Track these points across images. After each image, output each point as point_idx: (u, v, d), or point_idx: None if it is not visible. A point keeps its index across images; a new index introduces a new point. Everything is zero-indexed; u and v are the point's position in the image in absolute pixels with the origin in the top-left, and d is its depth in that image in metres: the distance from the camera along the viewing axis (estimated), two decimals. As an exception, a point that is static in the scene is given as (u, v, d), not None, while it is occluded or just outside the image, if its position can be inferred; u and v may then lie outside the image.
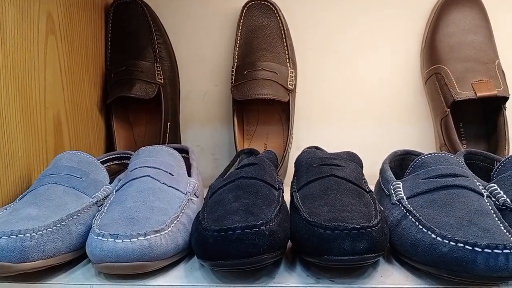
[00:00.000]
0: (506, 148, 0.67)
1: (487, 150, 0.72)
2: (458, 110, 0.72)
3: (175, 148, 0.65)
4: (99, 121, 0.74)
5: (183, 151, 0.66)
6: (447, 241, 0.36)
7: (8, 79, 0.51)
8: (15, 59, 0.53)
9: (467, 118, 0.74)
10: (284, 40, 0.75)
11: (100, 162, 0.60)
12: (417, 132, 0.78)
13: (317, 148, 0.63)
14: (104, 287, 0.41)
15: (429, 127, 0.77)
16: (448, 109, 0.68)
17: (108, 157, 0.64)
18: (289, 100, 0.73)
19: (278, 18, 0.75)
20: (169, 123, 0.74)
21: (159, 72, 0.74)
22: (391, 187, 0.49)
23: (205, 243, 0.38)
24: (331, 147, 0.79)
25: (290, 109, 0.73)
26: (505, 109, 0.69)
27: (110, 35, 0.77)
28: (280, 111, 0.77)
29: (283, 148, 0.75)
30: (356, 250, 0.37)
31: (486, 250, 0.34)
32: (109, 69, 0.76)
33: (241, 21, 0.75)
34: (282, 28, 0.75)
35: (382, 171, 0.55)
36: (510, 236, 0.36)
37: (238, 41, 0.75)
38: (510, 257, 0.33)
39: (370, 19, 0.77)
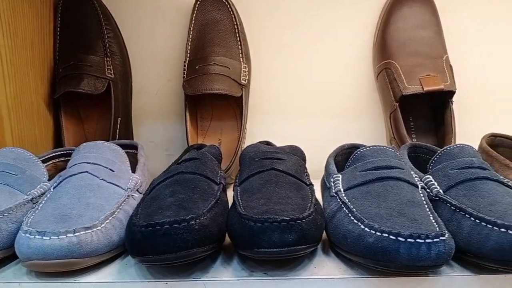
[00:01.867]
0: (453, 141, 0.68)
1: (436, 143, 0.73)
2: (408, 105, 0.73)
3: (125, 144, 0.64)
4: (47, 117, 0.72)
5: (133, 147, 0.65)
6: (373, 232, 0.36)
7: None
8: None
9: (417, 112, 0.75)
10: (237, 35, 0.74)
11: (44, 158, 0.59)
12: (370, 126, 0.79)
13: (268, 143, 0.63)
14: (33, 285, 0.39)
15: (381, 121, 0.78)
16: (397, 104, 0.69)
17: (54, 154, 0.62)
18: (242, 95, 0.73)
19: (231, 12, 0.74)
20: (119, 118, 0.73)
21: (109, 67, 0.73)
22: (332, 179, 0.49)
23: (133, 239, 0.37)
24: (286, 141, 0.79)
25: (243, 104, 0.73)
26: (452, 104, 0.70)
27: (59, 29, 0.75)
28: (234, 106, 0.77)
29: (238, 143, 0.74)
30: (286, 242, 0.37)
31: (409, 239, 0.34)
32: (58, 64, 0.74)
33: (194, 15, 0.74)
34: (235, 23, 0.74)
35: (326, 165, 0.55)
36: (437, 226, 0.37)
37: (191, 36, 0.74)
38: (433, 247, 0.34)
39: (324, 14, 0.78)
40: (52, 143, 0.73)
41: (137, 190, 0.52)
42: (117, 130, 0.72)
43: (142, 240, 0.36)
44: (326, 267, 0.41)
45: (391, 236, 0.35)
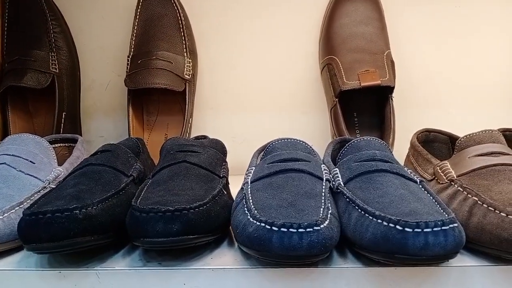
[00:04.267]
0: (391, 136, 0.69)
1: (380, 138, 0.74)
2: (353, 100, 0.74)
3: (66, 138, 0.65)
4: (-9, 112, 0.73)
5: (75, 141, 0.66)
6: (254, 221, 0.37)
7: None
8: None
9: (361, 108, 0.75)
10: (182, 30, 0.75)
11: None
12: (316, 121, 0.80)
13: (204, 137, 0.64)
14: None
15: (327, 116, 0.79)
16: (336, 99, 0.70)
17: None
18: (185, 90, 0.73)
19: (176, 8, 0.75)
20: (64, 113, 0.74)
21: (53, 62, 0.74)
22: (246, 173, 0.49)
23: (19, 227, 0.38)
24: (236, 136, 0.81)
25: (187, 99, 0.74)
26: (391, 99, 0.70)
27: (6, 24, 0.75)
28: (181, 101, 0.77)
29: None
30: (170, 232, 0.37)
31: (282, 229, 0.35)
32: (5, 58, 0.75)
33: (138, 10, 0.75)
34: (179, 18, 0.75)
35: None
36: (323, 217, 0.37)
37: (135, 31, 0.75)
38: (304, 236, 0.34)
39: (272, 10, 0.78)
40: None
41: (58, 182, 0.53)
42: (61, 125, 0.73)
43: (25, 228, 0.37)
44: (222, 258, 0.41)
45: (266, 226, 0.35)
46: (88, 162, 0.47)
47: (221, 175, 0.49)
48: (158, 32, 0.74)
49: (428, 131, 0.63)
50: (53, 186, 0.51)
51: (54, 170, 0.53)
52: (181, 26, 0.75)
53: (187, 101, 0.74)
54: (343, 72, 0.70)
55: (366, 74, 0.69)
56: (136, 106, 0.75)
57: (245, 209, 0.40)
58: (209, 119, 0.81)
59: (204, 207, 0.40)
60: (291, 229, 0.35)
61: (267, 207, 0.39)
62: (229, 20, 0.79)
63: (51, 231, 0.36)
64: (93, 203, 0.39)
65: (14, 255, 0.43)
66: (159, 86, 0.70)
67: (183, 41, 0.75)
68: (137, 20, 0.75)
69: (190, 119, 0.75)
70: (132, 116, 0.74)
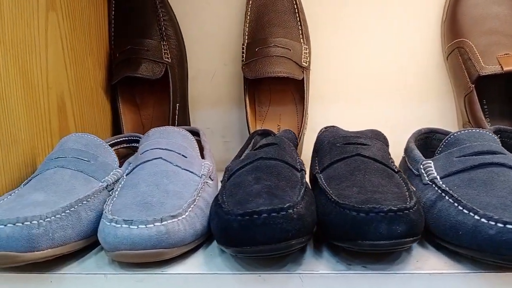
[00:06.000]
0: (533, 125, 0.64)
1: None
2: (481, 87, 0.68)
3: (190, 131, 0.62)
4: (105, 103, 0.71)
5: (194, 134, 0.63)
6: (493, 223, 0.33)
7: (7, 56, 0.48)
8: (14, 35, 0.49)
9: (491, 95, 0.70)
10: (297, 15, 0.71)
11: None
12: (436, 110, 0.75)
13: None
14: (119, 276, 0.38)
15: (449, 104, 0.74)
16: (473, 85, 0.65)
17: (116, 140, 0.61)
18: (303, 78, 0.69)
19: (290, -9, 0.71)
20: (177, 104, 0.71)
21: (166, 51, 0.71)
22: (421, 166, 0.45)
23: (228, 228, 0.35)
24: (348, 127, 0.76)
25: (305, 88, 0.70)
26: (531, 85, 0.65)
27: (113, 12, 0.73)
28: (293, 91, 0.74)
29: (297, 129, 0.71)
30: (394, 233, 0.34)
31: (540, 231, 0.31)
32: (113, 49, 0.72)
33: (251, -4, 0.71)
34: (294, 2, 0.71)
35: (408, 150, 0.52)
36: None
37: (248, 17, 0.71)
38: None
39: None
40: (111, 129, 0.72)
41: (209, 177, 0.50)
42: (176, 117, 0.71)
43: (239, 230, 0.34)
44: (429, 261, 0.38)
45: (516, 228, 0.31)
46: (258, 156, 0.44)
47: (396, 170, 0.45)
48: (273, 18, 0.70)
49: None
50: (209, 181, 0.49)
51: (203, 164, 0.50)
52: (296, 11, 0.71)
53: (305, 90, 0.70)
54: (479, 56, 0.65)
55: (507, 57, 0.64)
56: (249, 96, 0.72)
57: (460, 208, 0.36)
58: (319, 109, 0.77)
59: (417, 206, 0.36)
60: (550, 232, 0.30)
61: (488, 205, 0.35)
62: (339, 2, 0.74)
63: (269, 233, 0.33)
64: (298, 201, 0.35)
65: (195, 256, 0.40)
66: (281, 74, 0.66)
67: (299, 27, 0.71)
68: (249, 5, 0.71)
69: (308, 110, 0.71)
70: (248, 106, 0.70)
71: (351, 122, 0.74)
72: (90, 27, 0.67)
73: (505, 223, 0.32)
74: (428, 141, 0.57)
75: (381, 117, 0.75)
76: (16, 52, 0.50)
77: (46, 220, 0.37)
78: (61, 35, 0.59)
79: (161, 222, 0.37)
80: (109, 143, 0.58)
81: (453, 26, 0.70)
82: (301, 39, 0.71)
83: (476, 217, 0.34)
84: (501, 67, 0.63)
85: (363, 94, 0.76)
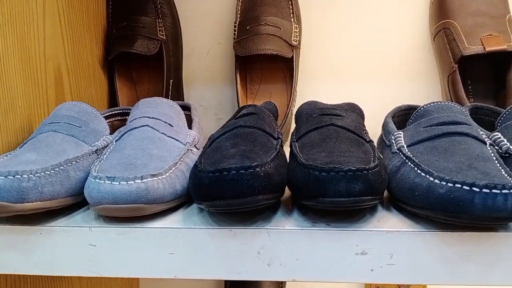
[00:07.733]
0: (515, 104, 0.65)
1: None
2: (466, 67, 0.70)
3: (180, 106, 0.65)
4: (102, 78, 0.74)
5: (186, 108, 0.66)
6: (444, 183, 0.35)
7: (5, 27, 0.51)
8: (12, 6, 0.52)
9: (475, 75, 0.72)
10: (288, -6, 0.73)
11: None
12: (423, 89, 0.77)
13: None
14: (102, 229, 0.41)
15: (436, 84, 0.75)
16: (456, 65, 0.67)
17: (111, 113, 0.64)
18: (292, 57, 0.72)
19: (282, -28, 0.73)
20: (171, 80, 0.74)
21: (160, 28, 0.73)
22: (392, 137, 0.48)
23: (200, 184, 0.38)
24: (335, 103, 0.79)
25: (294, 66, 0.72)
26: (514, 65, 0.67)
27: (111, -10, 0.76)
28: (284, 69, 0.76)
29: (287, 106, 0.74)
30: (352, 191, 0.36)
31: (484, 190, 0.33)
32: (111, 25, 0.75)
33: (244, -25, 0.73)
34: (286, -18, 0.73)
35: (384, 124, 0.54)
36: (510, 179, 0.36)
37: (241, -4, 0.73)
38: (509, 197, 0.33)
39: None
40: (107, 104, 0.75)
41: (194, 146, 0.53)
42: (169, 92, 0.73)
43: (210, 185, 0.37)
44: (389, 221, 0.40)
45: (464, 187, 0.34)
46: (237, 124, 0.46)
47: (368, 139, 0.47)
48: (265, -3, 0.72)
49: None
50: (193, 149, 0.52)
51: (189, 133, 0.53)
52: (287, -9, 0.73)
53: (294, 68, 0.72)
54: (463, 37, 0.67)
55: (489, 38, 0.65)
56: (240, 74, 0.74)
57: (419, 171, 0.39)
58: (310, 87, 0.79)
59: (377, 168, 0.38)
60: (494, 190, 0.33)
61: (445, 169, 0.38)
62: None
63: (237, 188, 0.36)
64: (267, 162, 0.38)
65: (174, 214, 0.44)
66: (270, 52, 0.69)
67: (290, 6, 0.73)
68: (242, -15, 0.73)
69: (296, 87, 0.73)
70: (239, 83, 0.73)
71: (341, 100, 0.76)
72: (88, 4, 0.70)
73: (454, 182, 0.35)
74: (408, 118, 0.59)
75: (370, 95, 0.77)
76: (14, 22, 0.52)
77: (36, 175, 0.40)
78: (59, 10, 0.62)
79: (142, 179, 0.40)
80: (104, 115, 0.61)
81: (441, 7, 0.71)
82: (292, 18, 0.73)
83: (431, 178, 0.37)
84: (484, 47, 0.65)
85: (353, 73, 0.78)
